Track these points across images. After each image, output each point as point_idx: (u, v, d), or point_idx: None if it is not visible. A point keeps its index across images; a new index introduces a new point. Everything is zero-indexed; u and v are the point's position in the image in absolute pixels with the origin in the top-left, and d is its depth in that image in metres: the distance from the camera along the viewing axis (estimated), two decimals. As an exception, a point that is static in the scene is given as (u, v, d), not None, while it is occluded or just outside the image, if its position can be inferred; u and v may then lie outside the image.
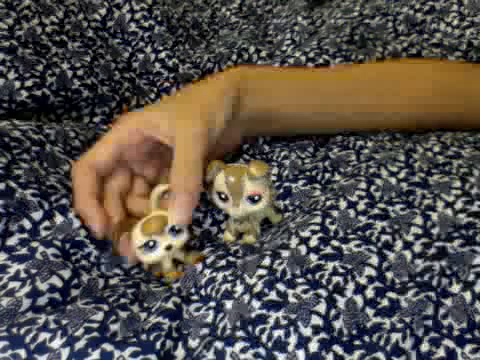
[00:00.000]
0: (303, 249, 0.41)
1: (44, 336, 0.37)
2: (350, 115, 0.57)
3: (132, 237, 0.43)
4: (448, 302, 0.37)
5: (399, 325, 0.36)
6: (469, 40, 0.71)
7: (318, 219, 0.43)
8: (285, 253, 0.41)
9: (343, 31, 0.72)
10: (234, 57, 0.75)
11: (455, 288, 0.38)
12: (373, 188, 0.45)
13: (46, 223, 0.45)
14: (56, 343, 0.36)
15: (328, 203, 0.45)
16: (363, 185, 0.46)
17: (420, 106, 0.57)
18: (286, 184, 0.51)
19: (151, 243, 0.43)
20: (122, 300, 0.40)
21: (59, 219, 0.45)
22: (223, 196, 0.45)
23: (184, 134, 0.46)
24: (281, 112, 0.55)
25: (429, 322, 0.37)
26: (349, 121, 0.57)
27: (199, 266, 0.42)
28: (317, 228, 0.42)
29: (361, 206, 0.44)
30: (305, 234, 0.42)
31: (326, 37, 0.70)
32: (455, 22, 0.74)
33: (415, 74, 0.59)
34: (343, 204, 0.44)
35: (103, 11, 0.73)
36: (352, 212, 0.43)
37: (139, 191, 0.50)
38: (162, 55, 0.73)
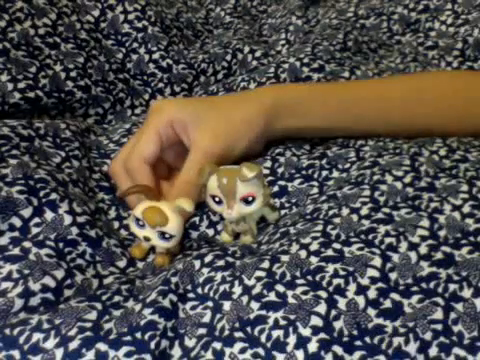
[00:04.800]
0: (303, 253, 0.40)
1: (37, 336, 0.36)
2: (382, 131, 0.56)
3: (137, 205, 0.46)
4: (459, 307, 0.36)
5: (402, 330, 0.36)
6: (464, 38, 0.71)
7: (320, 227, 0.43)
8: (285, 258, 0.40)
9: (336, 38, 0.72)
10: (229, 57, 0.75)
11: (466, 293, 0.37)
12: (377, 193, 0.45)
13: (36, 220, 0.45)
14: (50, 343, 0.36)
15: (331, 212, 0.44)
16: (367, 192, 0.45)
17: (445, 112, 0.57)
18: (282, 183, 0.51)
19: (141, 222, 0.45)
20: (116, 298, 0.40)
21: (49, 215, 0.45)
22: (217, 199, 0.44)
23: (202, 149, 0.50)
24: (312, 129, 0.56)
25: (438, 326, 0.36)
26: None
27: (197, 263, 0.42)
28: (318, 235, 0.42)
29: (364, 211, 0.43)
30: (306, 241, 0.42)
31: (320, 43, 0.70)
32: (449, 20, 0.75)
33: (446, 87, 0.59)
34: (346, 211, 0.44)
35: (96, 12, 0.73)
36: (355, 216, 0.43)
37: (159, 173, 0.54)
38: (156, 56, 0.73)
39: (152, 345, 0.36)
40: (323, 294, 0.37)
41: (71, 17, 0.70)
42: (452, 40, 0.72)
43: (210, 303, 0.39)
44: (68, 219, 0.45)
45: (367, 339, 0.35)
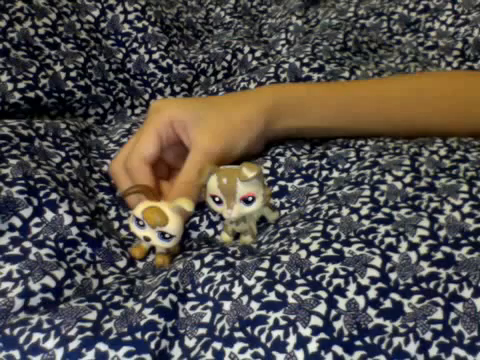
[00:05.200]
0: (303, 253, 0.40)
1: (37, 336, 0.36)
2: (382, 131, 0.57)
3: (137, 205, 0.46)
4: (459, 307, 0.36)
5: (402, 330, 0.36)
6: (464, 38, 0.71)
7: (320, 227, 0.43)
8: (285, 258, 0.40)
9: (336, 38, 0.72)
10: (229, 57, 0.75)
11: (466, 293, 0.37)
12: (377, 193, 0.45)
13: (36, 220, 0.45)
14: (50, 343, 0.36)
15: (331, 212, 0.44)
16: (367, 192, 0.45)
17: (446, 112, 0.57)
18: (282, 183, 0.51)
19: (141, 222, 0.45)
20: (116, 298, 0.40)
21: (49, 215, 0.45)
22: (217, 199, 0.44)
23: (202, 150, 0.50)
24: (312, 129, 0.56)
25: (438, 326, 0.36)
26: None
27: (197, 263, 0.42)
28: (318, 235, 0.42)
29: (364, 211, 0.43)
30: (306, 241, 0.42)
31: (320, 43, 0.70)
32: (449, 20, 0.74)
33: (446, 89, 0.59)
34: (346, 211, 0.44)
35: (96, 12, 0.73)
36: (355, 216, 0.43)
37: (159, 173, 0.54)
38: (156, 56, 0.73)
39: (152, 345, 0.36)
40: (323, 294, 0.37)
41: (71, 17, 0.70)
42: (452, 40, 0.72)
43: (210, 303, 0.39)
44: (68, 219, 0.45)
45: (367, 339, 0.35)
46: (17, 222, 0.44)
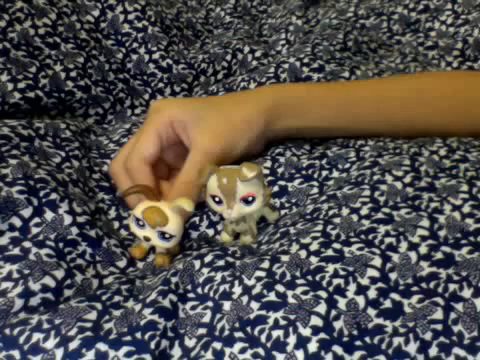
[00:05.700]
0: (303, 253, 0.40)
1: (37, 336, 0.36)
2: (382, 131, 0.57)
3: (137, 205, 0.46)
4: (459, 307, 0.36)
5: (402, 330, 0.35)
6: (464, 38, 0.71)
7: (320, 227, 0.43)
8: (285, 258, 0.40)
9: (336, 38, 0.72)
10: (229, 57, 0.75)
11: (466, 293, 0.37)
12: (377, 193, 0.45)
13: (36, 220, 0.45)
14: (50, 343, 0.36)
15: (331, 212, 0.44)
16: (367, 192, 0.45)
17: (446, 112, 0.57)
18: (282, 183, 0.51)
19: (141, 222, 0.45)
20: (116, 298, 0.40)
21: (49, 215, 0.45)
22: (217, 199, 0.44)
23: (202, 150, 0.50)
24: (312, 129, 0.56)
25: (438, 326, 0.36)
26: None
27: (197, 263, 0.42)
28: (318, 235, 0.42)
29: (364, 211, 0.43)
30: (306, 241, 0.42)
31: (320, 43, 0.70)
32: (449, 20, 0.74)
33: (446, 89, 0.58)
34: (346, 211, 0.44)
35: (96, 12, 0.73)
36: (355, 216, 0.43)
37: (159, 173, 0.54)
38: (156, 56, 0.73)
39: (152, 345, 0.36)
40: (323, 294, 0.37)
41: (71, 17, 0.70)
42: (452, 40, 0.72)
43: (210, 303, 0.39)
44: (68, 219, 0.45)
45: (367, 339, 0.35)
46: (17, 222, 0.44)
